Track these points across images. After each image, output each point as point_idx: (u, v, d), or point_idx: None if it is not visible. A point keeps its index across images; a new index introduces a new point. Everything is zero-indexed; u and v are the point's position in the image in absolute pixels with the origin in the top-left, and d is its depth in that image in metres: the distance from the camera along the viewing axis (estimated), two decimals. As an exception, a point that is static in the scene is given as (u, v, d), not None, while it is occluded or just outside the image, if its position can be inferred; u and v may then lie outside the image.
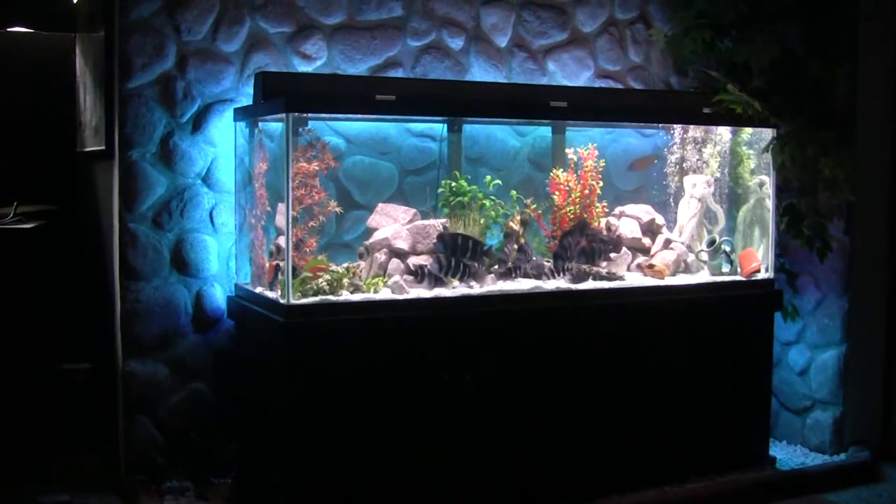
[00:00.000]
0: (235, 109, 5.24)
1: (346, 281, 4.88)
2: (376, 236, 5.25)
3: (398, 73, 5.61)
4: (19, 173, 6.31)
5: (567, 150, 5.63)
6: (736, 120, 5.63)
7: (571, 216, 5.50)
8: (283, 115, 4.61)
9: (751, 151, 5.95)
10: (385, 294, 4.91)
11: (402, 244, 5.16)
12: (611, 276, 5.42)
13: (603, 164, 5.60)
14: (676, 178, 5.98)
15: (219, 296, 5.33)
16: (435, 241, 5.11)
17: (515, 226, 5.33)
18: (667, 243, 5.77)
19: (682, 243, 5.82)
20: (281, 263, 4.79)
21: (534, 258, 5.36)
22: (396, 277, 4.99)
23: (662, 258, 5.67)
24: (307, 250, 4.96)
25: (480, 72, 5.81)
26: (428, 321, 4.83)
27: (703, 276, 5.72)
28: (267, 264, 5.01)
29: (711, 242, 5.75)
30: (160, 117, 5.19)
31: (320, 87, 5.10)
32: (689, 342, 5.45)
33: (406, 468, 4.82)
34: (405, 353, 4.78)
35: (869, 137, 5.89)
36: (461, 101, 5.28)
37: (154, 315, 5.22)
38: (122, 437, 5.24)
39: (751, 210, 5.92)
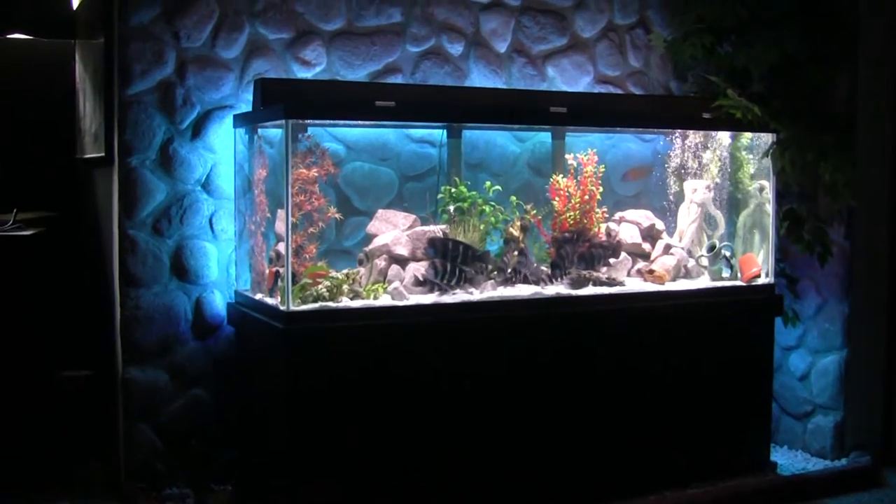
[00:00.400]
0: (235, 116, 5.24)
1: (345, 287, 4.88)
2: (376, 242, 5.25)
3: (398, 79, 5.61)
4: (19, 180, 6.31)
5: (567, 156, 5.62)
6: (736, 125, 5.64)
7: (571, 222, 5.49)
8: (283, 121, 4.62)
9: (751, 156, 5.94)
10: (385, 300, 4.91)
11: (402, 250, 5.16)
12: (611, 282, 5.41)
13: (603, 169, 5.59)
14: (676, 184, 5.97)
15: (219, 302, 5.32)
16: (426, 246, 5.09)
17: (515, 231, 5.33)
18: (667, 248, 5.76)
19: (683, 248, 5.82)
20: (281, 270, 4.79)
21: (534, 264, 5.35)
22: (396, 284, 4.98)
23: (662, 263, 5.66)
24: (307, 256, 4.96)
25: (480, 77, 5.81)
26: (428, 327, 4.82)
27: (704, 282, 5.72)
28: (267, 271, 5.00)
29: (711, 247, 5.74)
30: (160, 124, 5.19)
31: (319, 94, 5.10)
32: (690, 347, 5.44)
33: (406, 474, 4.81)
34: (405, 360, 4.77)
35: (869, 142, 5.89)
36: (461, 107, 5.28)
37: (154, 322, 5.21)
38: (122, 444, 5.24)
39: (751, 215, 5.92)
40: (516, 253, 5.30)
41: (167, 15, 5.16)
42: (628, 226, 5.83)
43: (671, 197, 6.00)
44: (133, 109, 5.14)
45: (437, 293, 5.01)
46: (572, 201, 5.51)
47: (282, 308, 4.62)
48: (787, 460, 6.04)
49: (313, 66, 5.45)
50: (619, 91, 6.16)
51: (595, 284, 5.37)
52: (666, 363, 5.39)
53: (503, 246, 5.37)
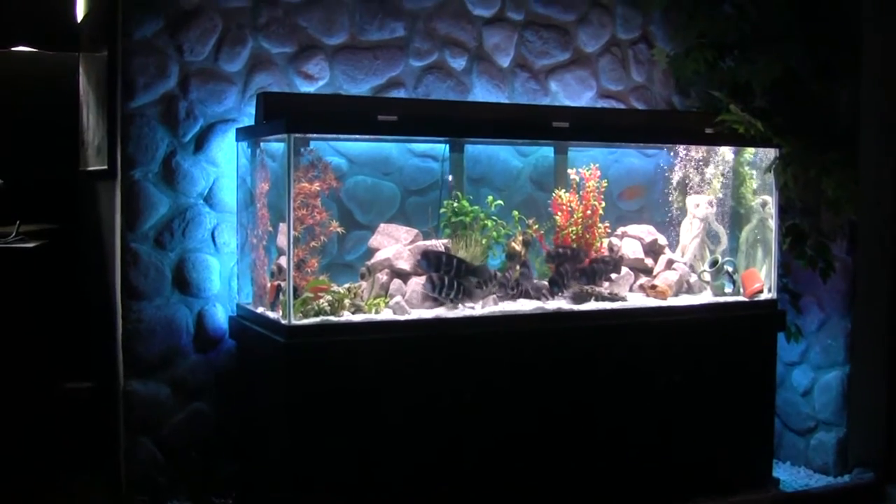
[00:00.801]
0: (237, 129, 5.25)
1: (347, 301, 4.88)
2: (378, 256, 5.25)
3: (400, 93, 5.61)
4: (22, 192, 6.32)
5: (569, 171, 5.63)
6: (738, 140, 5.64)
7: (574, 237, 5.49)
8: (285, 135, 4.62)
9: (753, 171, 5.94)
10: (387, 315, 4.91)
11: (404, 264, 5.15)
12: (613, 297, 5.40)
13: (605, 184, 5.59)
14: (679, 199, 5.97)
15: (220, 316, 5.32)
16: (420, 258, 5.08)
17: (518, 246, 5.33)
18: (669, 264, 5.76)
19: (685, 263, 5.81)
20: (282, 284, 4.79)
21: (535, 279, 5.35)
22: (398, 298, 4.98)
23: (665, 279, 5.66)
24: (308, 270, 4.95)
25: (483, 92, 5.81)
26: (430, 342, 4.82)
27: (706, 297, 5.71)
28: (268, 284, 5.00)
29: (714, 263, 5.74)
30: (162, 137, 5.19)
31: (322, 108, 5.10)
32: (692, 363, 5.43)
33: (407, 488, 4.80)
34: (406, 374, 4.77)
35: (871, 157, 5.88)
36: (463, 122, 5.28)
37: (156, 335, 5.21)
38: (123, 457, 5.23)
39: (753, 230, 5.91)
40: (518, 267, 5.30)
41: (170, 28, 5.17)
42: (630, 241, 5.82)
43: (674, 212, 5.99)
44: (136, 122, 5.15)
45: (441, 307, 5.01)
46: (575, 216, 5.51)
47: (283, 322, 4.62)
48: (790, 476, 6.03)
49: (316, 80, 5.46)
50: (622, 106, 6.17)
51: (597, 299, 5.36)
52: (668, 378, 5.37)
53: (505, 261, 5.36)
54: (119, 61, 5.18)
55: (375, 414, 4.70)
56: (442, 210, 5.40)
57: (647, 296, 5.59)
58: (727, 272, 5.70)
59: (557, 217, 5.52)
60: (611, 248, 5.66)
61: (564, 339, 5.12)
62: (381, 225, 5.43)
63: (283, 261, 4.87)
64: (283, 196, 4.66)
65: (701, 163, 5.93)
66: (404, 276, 5.14)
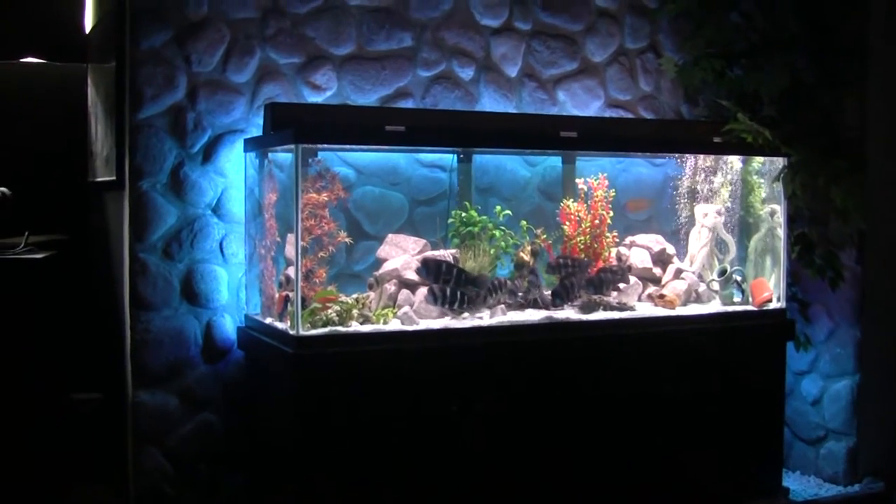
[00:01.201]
0: (245, 140, 5.25)
1: (355, 312, 4.87)
2: (386, 267, 5.25)
3: (408, 104, 5.62)
4: (31, 203, 6.32)
5: (577, 180, 5.63)
6: (746, 149, 5.63)
7: (582, 246, 5.49)
8: (293, 145, 4.62)
9: (762, 180, 5.93)
10: (395, 325, 4.90)
11: (412, 275, 5.14)
12: (621, 307, 5.40)
13: (613, 193, 5.59)
14: (687, 208, 5.96)
15: (229, 326, 5.32)
16: (419, 265, 5.08)
17: (526, 256, 5.32)
18: (678, 273, 5.75)
19: (693, 273, 5.80)
20: (290, 294, 4.79)
21: (544, 289, 5.34)
22: (406, 308, 4.97)
23: (673, 288, 5.65)
24: (317, 281, 4.95)
25: (490, 102, 5.81)
26: (438, 352, 4.81)
27: (715, 306, 5.70)
28: (276, 295, 5.00)
29: (723, 272, 5.73)
30: (171, 148, 5.20)
31: (329, 118, 5.11)
32: (701, 372, 5.42)
33: (415, 498, 4.79)
34: (415, 384, 4.76)
35: (879, 165, 5.87)
36: (471, 132, 5.29)
37: (164, 345, 5.21)
38: (131, 468, 5.23)
39: (762, 239, 5.90)
40: (526, 277, 5.29)
41: (178, 39, 5.18)
42: (639, 250, 5.82)
43: (682, 221, 5.98)
44: (144, 133, 5.15)
45: (448, 317, 5.01)
46: (583, 226, 5.50)
47: (291, 332, 4.61)
48: (800, 486, 6.01)
49: (324, 90, 5.46)
50: (630, 115, 6.16)
51: (605, 309, 5.36)
52: (677, 388, 5.36)
53: (514, 271, 5.36)
54: (127, 72, 5.19)
55: (384, 424, 4.70)
56: (450, 220, 5.40)
57: (656, 305, 5.58)
58: (736, 281, 5.70)
59: (565, 227, 5.52)
60: (619, 258, 5.66)
61: (573, 348, 5.11)
62: (390, 235, 5.43)
63: (291, 271, 4.87)
64: (291, 206, 4.67)
65: (709, 172, 5.92)
66: (412, 286, 5.14)
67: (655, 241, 5.88)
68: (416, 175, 5.68)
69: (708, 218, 5.85)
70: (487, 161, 5.81)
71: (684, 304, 5.64)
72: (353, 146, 5.36)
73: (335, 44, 5.48)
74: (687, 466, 5.42)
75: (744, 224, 5.98)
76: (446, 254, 5.23)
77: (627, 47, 6.19)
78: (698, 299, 5.74)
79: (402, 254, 5.29)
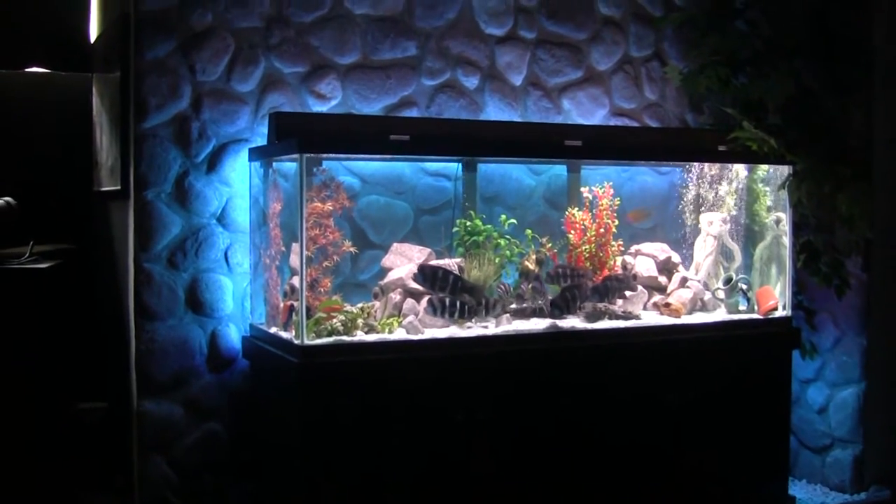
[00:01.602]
0: (250, 149, 5.25)
1: (360, 321, 4.87)
2: (391, 276, 5.24)
3: (413, 113, 5.62)
4: (36, 212, 6.33)
5: (582, 189, 5.62)
6: (752, 157, 5.62)
7: (587, 255, 5.48)
8: (297, 155, 4.62)
9: (767, 188, 5.92)
10: (400, 334, 4.90)
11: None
12: (626, 315, 5.39)
13: (618, 202, 5.58)
14: (692, 216, 5.95)
15: (234, 336, 5.32)
16: (416, 272, 5.06)
17: (531, 265, 5.32)
18: (683, 281, 5.74)
19: (699, 281, 5.79)
20: (295, 304, 4.78)
21: (549, 298, 5.33)
22: (411, 318, 4.97)
23: (679, 296, 5.64)
24: (321, 290, 4.95)
25: (495, 110, 5.81)
26: (443, 361, 4.81)
27: (720, 315, 5.68)
28: (281, 304, 5.00)
29: (728, 280, 5.71)
30: (175, 157, 5.20)
31: (334, 127, 5.11)
32: (706, 381, 5.40)
33: (421, 509, 4.80)
34: (420, 393, 4.75)
35: (885, 173, 5.87)
36: (476, 141, 5.28)
37: (169, 355, 5.21)
38: (136, 477, 5.23)
39: (767, 247, 5.88)
40: (531, 287, 5.28)
41: (183, 48, 5.19)
42: (644, 259, 5.81)
43: (687, 229, 5.97)
44: (149, 143, 5.16)
45: (454, 325, 5.01)
46: (588, 234, 5.50)
47: (296, 342, 4.61)
48: (806, 494, 6.00)
49: (328, 99, 5.46)
50: (635, 123, 6.16)
51: (611, 318, 5.35)
52: (682, 396, 5.35)
53: (519, 279, 5.35)
54: (132, 82, 5.19)
55: (389, 433, 4.69)
56: (454, 229, 5.39)
57: (661, 314, 5.57)
58: (741, 290, 5.68)
59: (570, 235, 5.51)
60: (624, 266, 5.65)
61: (578, 357, 5.10)
62: (394, 244, 5.43)
63: (295, 281, 4.86)
64: (296, 216, 4.66)
65: (714, 180, 5.91)
66: (417, 295, 5.13)
67: (661, 250, 5.87)
68: (421, 184, 5.68)
69: (713, 226, 5.84)
70: (492, 170, 5.80)
71: (690, 312, 5.63)
72: (358, 155, 5.35)
73: (340, 53, 5.48)
74: (693, 475, 5.41)
75: (749, 232, 5.97)
76: (451, 263, 5.23)
77: (632, 55, 6.19)
78: (704, 308, 5.74)
79: (407, 263, 5.28)
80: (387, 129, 5.00)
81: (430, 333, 4.91)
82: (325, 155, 5.01)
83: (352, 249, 5.14)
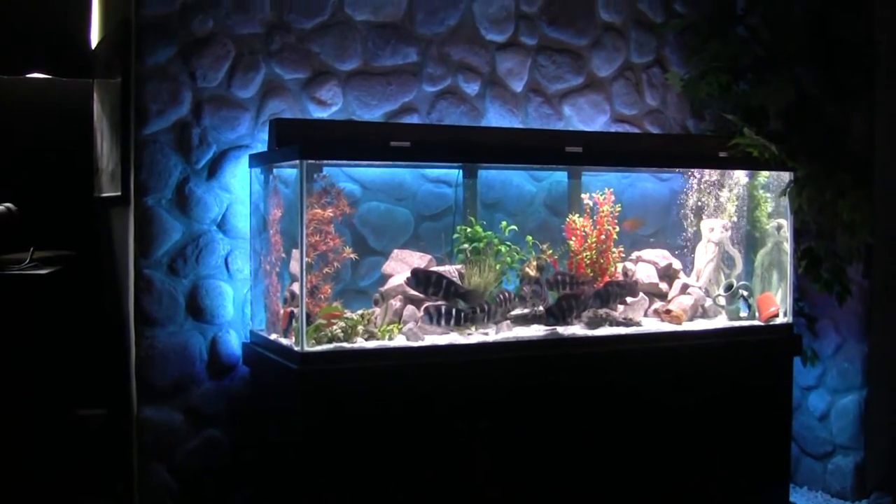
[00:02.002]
0: (251, 156, 5.25)
1: (360, 328, 4.87)
2: (391, 282, 5.23)
3: (414, 119, 5.61)
4: (36, 218, 6.33)
5: (583, 195, 5.62)
6: (753, 163, 5.61)
7: (588, 262, 5.48)
8: (298, 161, 4.62)
9: (768, 195, 5.91)
10: (400, 341, 4.89)
11: (418, 290, 5.14)
12: (627, 322, 5.38)
13: (619, 208, 5.58)
14: (693, 223, 5.95)
15: (234, 342, 5.31)
16: (409, 276, 5.05)
17: (531, 272, 5.31)
18: (684, 288, 5.73)
19: (700, 288, 5.78)
20: (295, 310, 4.78)
21: (550, 304, 5.33)
22: (411, 324, 4.97)
23: (680, 303, 5.63)
24: (322, 297, 4.94)
25: (496, 117, 5.81)
26: (443, 368, 4.80)
27: (721, 322, 5.68)
28: (281, 311, 4.99)
29: (729, 287, 5.71)
30: (176, 163, 5.20)
31: (335, 134, 5.11)
32: (707, 388, 5.39)
33: (421, 517, 4.79)
34: (420, 400, 4.75)
35: (886, 179, 5.86)
36: (477, 147, 5.28)
37: (169, 361, 5.20)
38: (136, 484, 5.22)
39: (769, 254, 5.88)
40: (532, 293, 5.28)
41: (183, 55, 5.19)
42: (645, 265, 5.80)
43: (688, 236, 5.97)
44: (149, 149, 5.16)
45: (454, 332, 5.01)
46: (589, 241, 5.49)
47: (296, 349, 4.60)
48: (808, 501, 5.99)
49: (329, 105, 5.46)
50: (636, 130, 6.16)
51: (611, 324, 5.34)
52: (683, 403, 5.34)
53: (520, 286, 5.35)
54: (133, 88, 5.20)
55: (389, 440, 4.68)
56: (455, 236, 5.39)
57: (662, 320, 5.57)
58: (742, 296, 5.68)
59: (571, 242, 5.51)
60: (625, 273, 5.64)
61: (579, 364, 5.09)
62: (395, 251, 5.42)
63: (296, 287, 4.86)
64: (297, 222, 4.66)
65: (715, 186, 5.91)
66: (418, 302, 5.13)
67: (662, 257, 5.86)
68: (422, 190, 5.68)
69: (714, 233, 5.84)
70: (493, 176, 5.80)
71: (691, 319, 5.63)
72: (359, 162, 5.35)
73: (340, 59, 5.48)
74: (694, 482, 5.40)
75: (750, 239, 5.96)
76: (451, 269, 5.22)
77: (633, 62, 6.19)
78: (705, 314, 5.73)
79: (407, 269, 5.28)
80: (387, 135, 5.00)
81: (430, 340, 4.91)
82: (325, 161, 5.01)
83: (352, 256, 5.14)
